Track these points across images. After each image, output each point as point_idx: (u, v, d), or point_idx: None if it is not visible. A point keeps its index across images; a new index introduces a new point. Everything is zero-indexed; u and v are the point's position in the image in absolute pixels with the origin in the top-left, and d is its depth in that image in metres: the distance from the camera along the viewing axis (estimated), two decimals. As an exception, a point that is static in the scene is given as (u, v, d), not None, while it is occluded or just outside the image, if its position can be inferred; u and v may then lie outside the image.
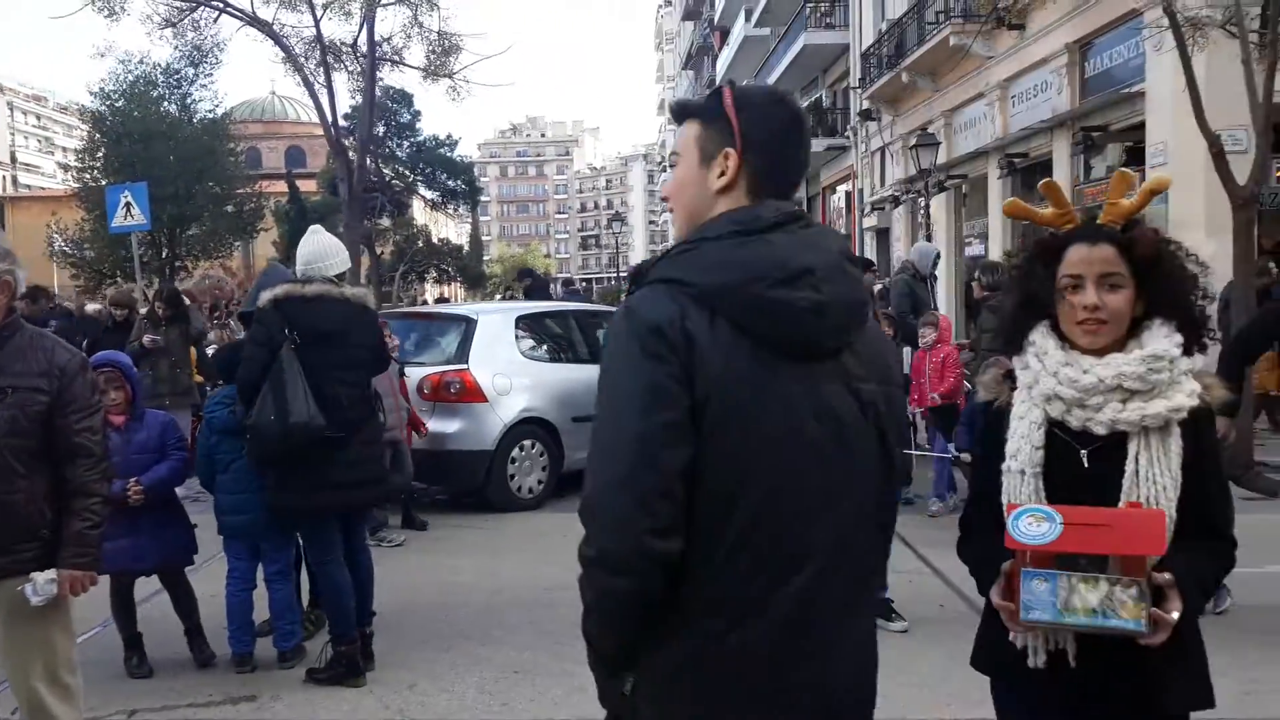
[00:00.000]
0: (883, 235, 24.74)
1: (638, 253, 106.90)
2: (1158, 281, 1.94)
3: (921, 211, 18.23)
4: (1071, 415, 1.94)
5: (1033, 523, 1.82)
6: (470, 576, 6.06)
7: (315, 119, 23.01)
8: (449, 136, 41.65)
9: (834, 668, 1.56)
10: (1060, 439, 1.96)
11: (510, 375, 8.02)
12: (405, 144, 40.40)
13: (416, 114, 40.20)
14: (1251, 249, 9.11)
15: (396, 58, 22.95)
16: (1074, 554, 1.80)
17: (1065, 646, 1.91)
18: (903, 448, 1.81)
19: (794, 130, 1.65)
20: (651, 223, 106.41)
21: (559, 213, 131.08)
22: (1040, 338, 2.01)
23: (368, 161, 27.74)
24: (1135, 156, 13.91)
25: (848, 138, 26.54)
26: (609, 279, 60.08)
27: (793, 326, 1.52)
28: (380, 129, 37.77)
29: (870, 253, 23.54)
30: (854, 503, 1.58)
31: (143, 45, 47.89)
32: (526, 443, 8.01)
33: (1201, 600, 1.91)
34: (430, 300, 41.26)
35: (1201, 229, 11.34)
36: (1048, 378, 1.96)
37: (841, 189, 28.64)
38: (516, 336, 8.45)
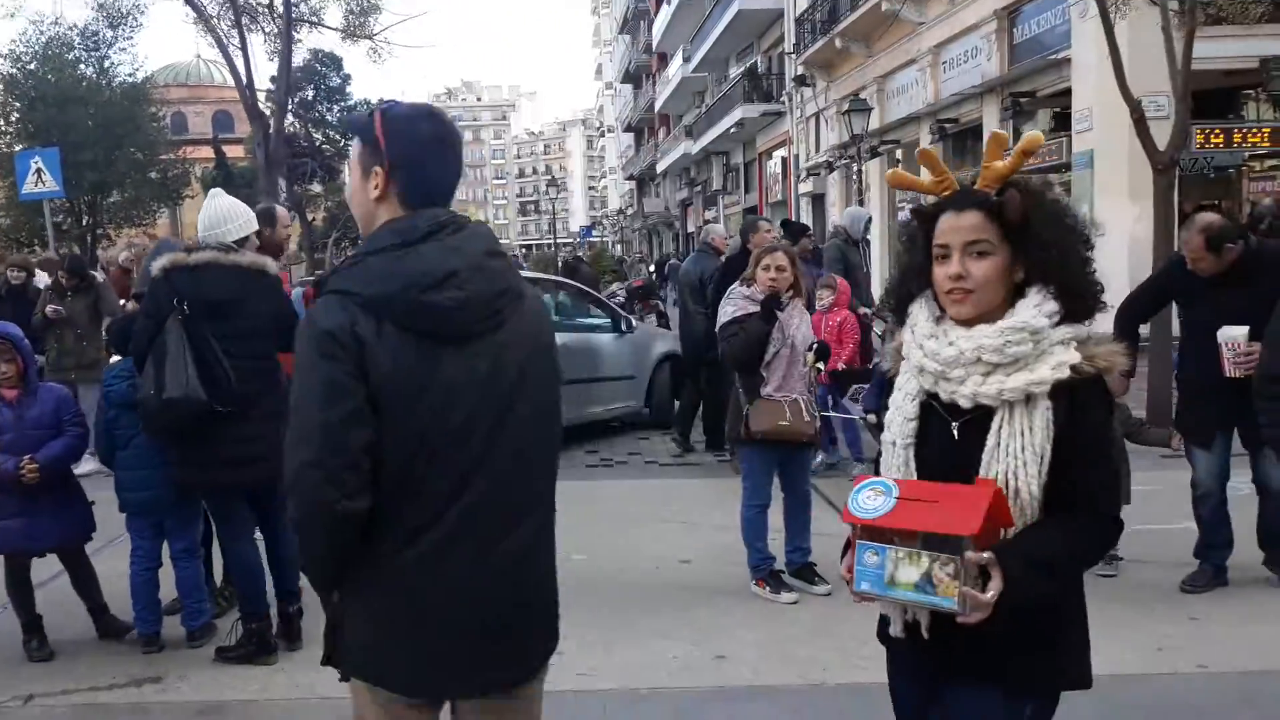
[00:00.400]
0: (818, 200, 24.88)
1: (578, 217, 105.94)
2: (1032, 246, 1.84)
3: (855, 176, 18.32)
4: (939, 387, 1.89)
5: (872, 496, 1.81)
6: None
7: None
8: (381, 101, 40.62)
9: (488, 569, 1.89)
10: (936, 411, 1.91)
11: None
12: (336, 108, 39.45)
13: (346, 78, 39.22)
14: (1172, 212, 9.25)
15: (314, 19, 22.32)
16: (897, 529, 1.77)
17: (920, 618, 1.87)
18: (553, 398, 2.06)
19: (439, 147, 1.94)
20: (591, 188, 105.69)
21: (497, 178, 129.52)
22: (917, 309, 1.96)
23: (296, 126, 26.93)
24: (1063, 122, 14.11)
25: (783, 103, 26.57)
26: (548, 245, 59.43)
27: (444, 322, 1.83)
28: (310, 92, 36.78)
29: (806, 217, 23.64)
30: (509, 450, 1.90)
31: (54, 6, 45.63)
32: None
33: (1043, 581, 1.76)
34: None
35: (1125, 193, 11.56)
36: (915, 349, 1.92)
37: (778, 154, 28.70)
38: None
